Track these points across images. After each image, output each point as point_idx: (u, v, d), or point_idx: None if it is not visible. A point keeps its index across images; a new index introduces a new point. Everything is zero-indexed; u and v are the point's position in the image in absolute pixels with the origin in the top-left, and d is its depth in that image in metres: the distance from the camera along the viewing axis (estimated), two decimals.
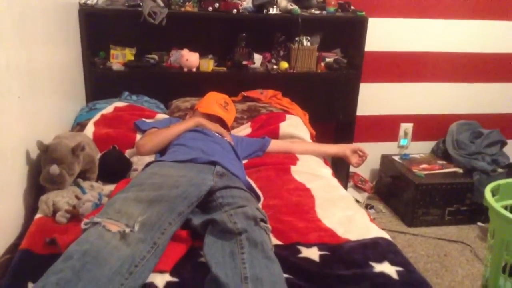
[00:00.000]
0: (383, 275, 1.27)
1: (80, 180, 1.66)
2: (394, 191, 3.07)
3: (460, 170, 2.99)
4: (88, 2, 2.44)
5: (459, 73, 3.24)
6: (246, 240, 1.28)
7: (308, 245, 1.40)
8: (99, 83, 2.55)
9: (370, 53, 2.93)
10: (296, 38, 2.69)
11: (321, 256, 1.35)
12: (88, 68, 2.51)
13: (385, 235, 1.50)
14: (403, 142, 3.33)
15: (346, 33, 2.84)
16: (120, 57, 2.60)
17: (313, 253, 1.36)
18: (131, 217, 1.28)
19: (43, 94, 1.82)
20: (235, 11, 2.52)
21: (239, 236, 1.29)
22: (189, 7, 2.52)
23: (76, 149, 1.58)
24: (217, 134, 1.99)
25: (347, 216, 1.61)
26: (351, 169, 2.93)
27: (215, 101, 2.20)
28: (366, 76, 2.91)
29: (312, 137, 2.45)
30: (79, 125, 2.16)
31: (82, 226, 1.25)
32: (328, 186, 1.85)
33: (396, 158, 3.15)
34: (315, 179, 1.90)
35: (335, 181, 1.93)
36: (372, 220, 1.63)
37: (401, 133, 3.33)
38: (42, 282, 1.07)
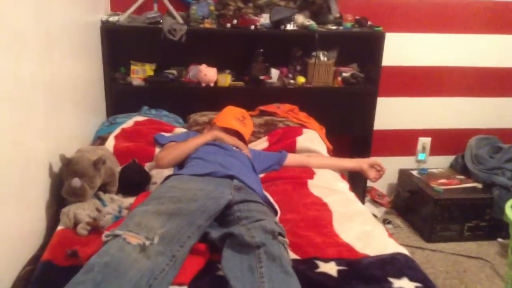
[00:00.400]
0: None
1: (100, 193, 1.69)
2: (412, 206, 3.04)
3: (480, 185, 2.95)
4: (110, 19, 2.50)
5: (477, 87, 3.22)
6: (264, 254, 1.28)
7: (326, 260, 1.40)
8: (119, 98, 2.60)
9: (387, 67, 2.93)
10: (313, 53, 2.72)
11: (339, 271, 1.34)
12: (109, 83, 2.57)
13: (404, 250, 1.49)
14: (421, 156, 3.31)
15: (363, 48, 2.85)
16: (140, 73, 2.65)
17: (330, 268, 1.36)
18: (151, 230, 1.30)
19: (66, 109, 1.87)
20: (252, 27, 2.55)
21: (257, 250, 1.29)
22: (208, 24, 2.56)
23: (97, 162, 1.62)
24: (234, 148, 2.01)
25: (365, 231, 1.60)
26: (369, 183, 2.92)
27: (232, 115, 2.23)
28: (383, 91, 2.92)
29: (329, 151, 2.45)
30: (100, 139, 2.20)
31: (103, 238, 1.27)
32: (345, 201, 1.85)
33: (414, 172, 3.13)
34: (332, 193, 1.90)
35: (352, 195, 1.93)
36: (391, 235, 1.62)
37: (419, 147, 3.31)
38: None
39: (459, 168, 3.17)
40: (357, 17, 2.79)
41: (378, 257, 1.42)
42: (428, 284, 1.31)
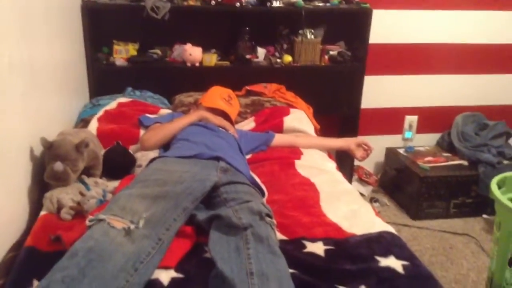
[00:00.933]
0: (388, 270, 1.27)
1: (84, 177, 1.66)
2: (399, 184, 3.06)
3: (465, 163, 2.97)
4: None
5: (464, 64, 3.21)
6: (251, 235, 1.27)
7: (313, 240, 1.40)
8: (102, 79, 2.54)
9: (375, 45, 2.91)
10: (300, 31, 2.68)
11: (326, 250, 1.34)
12: (92, 64, 2.51)
13: (391, 229, 1.49)
14: (407, 134, 3.31)
15: (350, 25, 2.81)
16: (123, 53, 2.59)
17: (318, 248, 1.36)
18: (136, 213, 1.28)
19: (46, 91, 1.82)
20: (238, 4, 2.50)
21: (245, 231, 1.28)
22: (192, 1, 2.51)
23: (80, 145, 1.58)
24: (221, 128, 1.99)
25: (352, 210, 1.60)
26: (356, 162, 2.92)
27: (218, 95, 2.19)
28: (370, 69, 2.89)
29: (316, 131, 2.44)
30: (83, 121, 2.16)
31: (87, 223, 1.25)
32: (332, 180, 1.84)
33: (401, 151, 3.14)
34: (320, 173, 1.89)
35: (339, 175, 1.92)
36: (377, 214, 1.62)
37: (406, 125, 3.31)
38: (47, 280, 1.07)
39: (446, 145, 3.19)
40: None
41: (365, 236, 1.43)
42: (415, 262, 1.32)
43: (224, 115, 2.14)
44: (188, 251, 1.31)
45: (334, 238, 1.41)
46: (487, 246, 2.54)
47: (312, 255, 1.32)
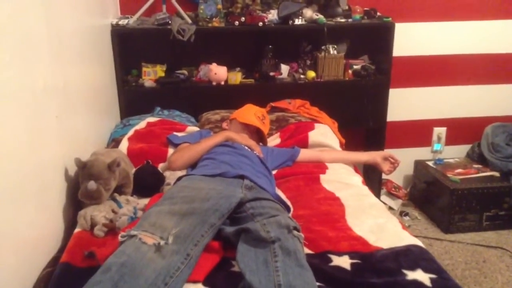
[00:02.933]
0: (415, 283, 1.26)
1: (116, 195, 1.72)
2: (429, 197, 3.02)
3: (497, 174, 2.91)
4: (120, 22, 2.53)
5: (491, 74, 3.17)
6: (279, 248, 1.30)
7: (339, 254, 1.41)
8: (132, 100, 2.63)
9: (399, 58, 2.91)
10: (323, 47, 2.71)
11: (352, 264, 1.35)
12: (122, 85, 2.60)
13: (418, 242, 1.48)
14: (436, 146, 3.27)
15: (373, 39, 2.83)
16: (151, 74, 2.68)
17: (344, 262, 1.36)
18: (165, 229, 1.32)
19: (80, 113, 1.90)
20: (261, 24, 2.56)
21: (273, 244, 1.31)
22: (216, 23, 2.58)
23: (112, 165, 1.65)
24: (246, 148, 2.03)
25: (378, 224, 1.60)
26: (384, 176, 2.90)
27: (253, 113, 2.25)
28: (395, 82, 2.89)
29: (341, 145, 2.45)
30: (114, 141, 2.23)
31: (119, 239, 1.30)
32: (358, 194, 1.84)
33: (430, 163, 3.10)
34: (345, 187, 1.90)
35: (365, 189, 1.92)
36: (405, 227, 1.61)
37: (434, 137, 3.27)
38: None
39: (476, 157, 3.13)
40: (366, 9, 2.77)
41: (392, 249, 1.42)
42: (443, 275, 1.31)
43: (257, 132, 2.19)
44: (216, 266, 1.34)
45: (360, 252, 1.41)
46: None
47: (338, 268, 1.33)
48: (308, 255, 1.38)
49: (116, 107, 2.60)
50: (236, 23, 2.57)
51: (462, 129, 3.26)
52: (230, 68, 2.71)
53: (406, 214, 3.03)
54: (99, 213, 1.56)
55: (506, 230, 2.81)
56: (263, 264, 1.27)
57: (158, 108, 2.61)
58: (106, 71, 2.45)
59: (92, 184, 1.59)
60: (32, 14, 1.43)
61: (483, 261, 2.52)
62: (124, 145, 2.11)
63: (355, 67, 2.80)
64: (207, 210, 1.44)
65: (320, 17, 2.62)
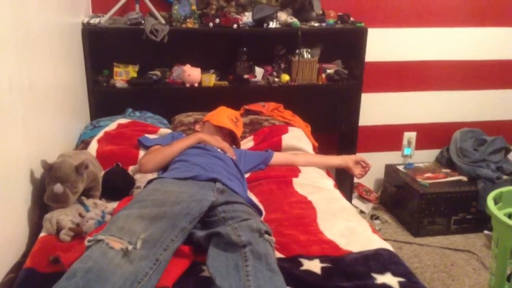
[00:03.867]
0: (384, 286, 1.27)
1: (83, 198, 1.68)
2: (399, 201, 3.06)
3: (465, 178, 2.98)
4: (91, 21, 2.48)
5: (461, 80, 3.25)
6: (250, 252, 1.29)
7: (310, 258, 1.41)
8: (103, 101, 2.58)
9: (371, 63, 2.95)
10: (297, 51, 2.72)
11: (322, 268, 1.35)
12: (92, 86, 2.55)
13: (387, 246, 1.50)
14: (407, 151, 3.33)
15: (346, 44, 2.86)
16: (123, 75, 2.63)
17: (314, 266, 1.36)
18: (134, 234, 1.29)
19: (47, 113, 1.85)
20: (235, 26, 2.55)
21: (244, 248, 1.30)
22: (190, 24, 2.56)
23: (79, 167, 1.60)
24: (219, 150, 2.01)
25: (349, 227, 1.61)
26: (356, 179, 2.93)
27: (226, 115, 2.23)
28: (367, 86, 2.93)
29: (314, 148, 2.46)
30: (83, 143, 2.18)
31: (86, 243, 1.26)
32: (329, 198, 1.85)
33: (400, 167, 3.15)
34: (317, 191, 1.90)
35: (337, 193, 1.94)
36: (375, 231, 1.63)
37: (405, 142, 3.33)
38: None
39: (445, 161, 3.20)
40: (340, 14, 2.80)
41: (361, 253, 1.43)
42: (411, 279, 1.32)
43: (230, 135, 2.18)
44: (186, 270, 1.32)
45: (331, 256, 1.42)
46: (489, 262, 2.53)
47: (309, 272, 1.33)
48: (279, 259, 1.38)
49: (86, 108, 2.55)
50: (211, 24, 2.55)
51: (431, 134, 3.33)
52: (204, 69, 2.70)
53: (377, 218, 3.07)
54: (65, 217, 1.52)
55: (473, 234, 2.88)
56: (233, 269, 1.26)
57: (130, 110, 2.57)
58: (76, 70, 2.39)
59: (58, 187, 1.54)
60: None
61: (451, 264, 2.57)
62: (93, 147, 2.06)
63: (328, 71, 2.83)
64: (178, 214, 1.42)
65: (295, 20, 2.64)
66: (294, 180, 2.00)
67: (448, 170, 3.09)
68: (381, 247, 1.48)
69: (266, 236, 1.38)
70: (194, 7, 2.58)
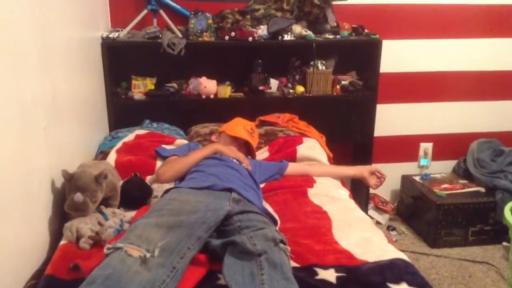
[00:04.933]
0: None
1: (102, 207, 1.71)
2: (416, 212, 3.04)
3: (483, 190, 2.94)
4: (110, 35, 2.55)
5: (477, 91, 3.23)
6: (265, 261, 1.30)
7: (325, 267, 1.41)
8: (121, 112, 2.64)
9: (386, 74, 2.96)
10: (311, 63, 2.74)
11: (338, 278, 1.35)
12: (111, 98, 2.60)
13: (403, 256, 1.49)
14: (423, 162, 3.31)
15: (361, 55, 2.87)
16: (141, 87, 2.69)
17: (330, 275, 1.37)
18: (152, 242, 1.32)
19: (68, 125, 1.90)
20: (250, 39, 2.59)
21: (259, 257, 1.31)
22: (207, 37, 2.60)
23: (99, 177, 1.64)
24: (235, 161, 2.03)
25: (365, 237, 1.61)
26: (371, 190, 2.92)
27: (242, 126, 2.27)
28: (383, 98, 2.93)
29: (329, 159, 2.47)
30: (102, 153, 2.23)
31: (105, 251, 1.29)
32: (345, 208, 1.86)
33: (417, 178, 3.13)
34: (332, 201, 1.91)
35: (352, 203, 1.94)
36: (391, 241, 1.63)
37: (421, 153, 3.31)
38: None
39: (462, 172, 3.17)
40: (354, 26, 2.82)
41: (377, 263, 1.43)
42: None
43: (246, 145, 2.20)
44: (202, 279, 1.33)
45: (346, 265, 1.42)
46: (507, 274, 2.49)
47: (324, 282, 1.34)
48: (294, 268, 1.38)
49: (105, 119, 2.60)
50: (226, 37, 2.59)
51: (448, 145, 3.31)
52: (220, 81, 2.74)
53: (393, 229, 3.04)
54: (85, 225, 1.55)
55: (491, 245, 2.83)
56: (249, 277, 1.27)
57: (147, 121, 2.62)
58: (95, 83, 2.45)
59: (78, 196, 1.58)
60: (21, 25, 1.44)
61: (469, 276, 2.54)
62: (112, 157, 2.11)
63: (343, 82, 2.84)
64: (194, 223, 1.44)
65: (309, 33, 2.66)
66: (309, 190, 2.01)
67: (465, 181, 3.06)
68: (396, 257, 1.48)
69: (281, 245, 1.39)
70: (210, 21, 2.63)
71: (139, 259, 1.26)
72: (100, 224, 1.59)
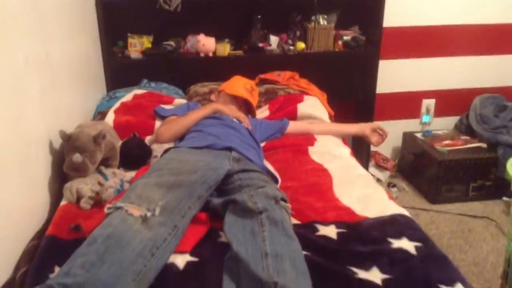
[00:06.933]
0: (401, 251, 1.28)
1: (102, 167, 1.70)
2: (417, 168, 3.04)
3: (484, 145, 2.93)
4: None
5: (481, 45, 3.16)
6: (266, 218, 1.30)
7: (326, 223, 1.42)
8: (118, 72, 2.59)
9: (389, 28, 2.88)
10: (312, 18, 2.67)
11: (338, 233, 1.36)
12: (107, 57, 2.55)
13: (404, 211, 1.49)
14: (425, 118, 3.28)
15: (364, 9, 2.79)
16: (138, 45, 2.62)
17: (330, 231, 1.37)
18: (152, 201, 1.32)
19: (64, 86, 1.87)
20: None
21: (260, 215, 1.31)
22: None
23: (97, 137, 1.63)
24: (234, 120, 2.01)
25: (365, 194, 1.61)
26: (373, 147, 2.91)
27: (242, 84, 2.23)
28: (385, 53, 2.87)
29: (330, 117, 2.44)
30: (100, 114, 2.21)
31: (105, 210, 1.29)
32: (346, 166, 1.85)
33: (418, 135, 3.11)
34: (333, 159, 1.90)
35: (353, 160, 1.93)
36: (391, 197, 1.62)
37: (423, 109, 3.28)
38: (68, 266, 1.11)
39: (464, 128, 3.15)
40: None
41: (377, 219, 1.43)
42: (428, 243, 1.32)
43: (246, 104, 2.17)
44: (203, 236, 1.34)
45: (347, 222, 1.42)
46: (507, 228, 2.51)
47: (325, 237, 1.34)
48: (295, 225, 1.39)
49: (102, 79, 2.56)
50: None
51: (450, 101, 3.27)
52: (219, 38, 2.67)
53: (394, 186, 3.05)
54: (85, 185, 1.55)
55: (492, 201, 2.85)
56: (250, 234, 1.27)
57: (145, 80, 2.58)
58: (91, 42, 2.39)
59: (77, 157, 1.57)
60: None
61: (468, 230, 2.56)
62: (110, 117, 2.09)
63: (345, 38, 2.77)
64: (194, 182, 1.43)
65: None
66: (310, 148, 2.00)
67: (467, 137, 3.04)
68: (397, 212, 1.48)
69: (282, 202, 1.39)
70: None
71: (140, 218, 1.26)
72: (100, 184, 1.59)
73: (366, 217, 1.45)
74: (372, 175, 2.94)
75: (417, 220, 1.48)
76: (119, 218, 1.25)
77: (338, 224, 1.40)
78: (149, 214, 1.27)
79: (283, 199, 1.41)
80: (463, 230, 2.56)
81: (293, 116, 2.31)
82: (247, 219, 1.32)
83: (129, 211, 1.27)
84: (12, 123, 1.34)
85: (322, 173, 1.77)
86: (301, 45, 2.70)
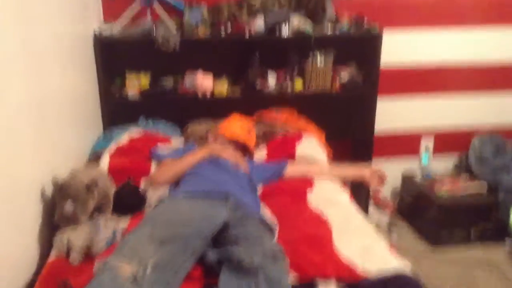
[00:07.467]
0: None
1: (95, 213, 1.64)
2: (417, 210, 2.99)
3: (485, 184, 2.87)
4: (103, 31, 2.46)
5: (479, 82, 3.15)
6: (263, 278, 1.26)
7: (326, 281, 1.36)
8: (115, 111, 2.57)
9: (387, 66, 2.87)
10: (309, 58, 2.66)
11: None
12: (105, 97, 2.53)
13: (405, 267, 1.43)
14: (424, 159, 3.23)
15: (361, 48, 2.78)
16: (135, 84, 2.58)
17: None
18: (144, 257, 1.27)
19: (59, 126, 1.84)
20: (247, 35, 2.50)
21: (256, 273, 1.27)
22: (202, 30, 2.52)
23: (90, 185, 1.58)
24: (231, 164, 1.97)
25: (366, 246, 1.56)
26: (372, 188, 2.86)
27: (239, 127, 2.19)
28: (383, 90, 2.85)
29: (328, 155, 2.41)
30: (95, 155, 2.16)
31: (94, 270, 1.24)
32: (345, 214, 1.80)
33: (418, 179, 3.06)
34: (332, 206, 1.85)
35: (352, 208, 1.88)
36: (392, 248, 1.57)
37: (422, 148, 3.24)
38: None
39: (464, 168, 3.11)
40: (353, 16, 2.71)
41: (379, 277, 1.38)
42: None
43: (243, 145, 2.14)
44: None
45: (347, 282, 1.36)
46: (510, 272, 2.46)
47: None
48: (294, 287, 1.33)
49: (99, 118, 2.53)
50: (222, 28, 2.50)
51: (450, 139, 3.23)
52: (217, 75, 2.65)
53: (394, 226, 2.98)
54: (76, 236, 1.49)
55: (494, 242, 2.78)
56: None
57: (143, 118, 2.55)
58: (88, 81, 2.37)
59: (68, 207, 1.52)
60: (2, 23, 1.35)
61: (472, 276, 2.49)
62: (105, 161, 2.04)
63: (342, 76, 2.74)
64: (189, 236, 1.39)
65: (307, 27, 2.57)
66: (309, 194, 1.95)
67: (467, 178, 2.98)
68: (399, 269, 1.42)
69: (280, 255, 1.35)
70: (205, 13, 2.54)
71: (131, 277, 1.21)
72: (92, 235, 1.53)
73: (367, 276, 1.39)
74: (372, 216, 2.90)
75: (418, 267, 1.42)
76: (109, 278, 1.20)
77: (338, 283, 1.35)
78: (140, 272, 1.22)
79: (279, 253, 1.37)
80: (467, 276, 2.48)
81: (291, 157, 2.28)
82: (242, 278, 1.27)
83: (119, 270, 1.22)
84: (2, 167, 1.30)
85: (321, 223, 1.71)
86: (299, 85, 2.68)
